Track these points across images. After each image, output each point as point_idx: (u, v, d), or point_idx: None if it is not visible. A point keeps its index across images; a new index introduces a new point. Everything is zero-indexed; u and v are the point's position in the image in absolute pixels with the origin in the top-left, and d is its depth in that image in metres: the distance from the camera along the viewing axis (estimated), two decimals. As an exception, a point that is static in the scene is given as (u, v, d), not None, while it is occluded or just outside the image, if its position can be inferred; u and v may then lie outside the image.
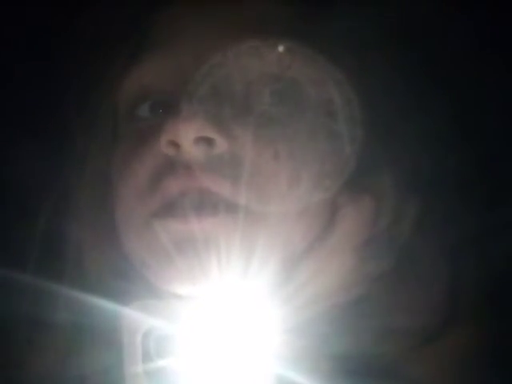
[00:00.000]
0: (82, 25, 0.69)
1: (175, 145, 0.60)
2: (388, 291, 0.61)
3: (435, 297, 0.62)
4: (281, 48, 0.61)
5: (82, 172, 0.67)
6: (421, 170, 0.63)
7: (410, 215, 0.63)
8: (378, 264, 0.61)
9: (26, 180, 0.70)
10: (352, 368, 0.59)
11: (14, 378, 0.67)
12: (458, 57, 0.65)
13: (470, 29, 0.65)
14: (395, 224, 0.62)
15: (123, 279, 0.64)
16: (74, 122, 0.69)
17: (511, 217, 0.63)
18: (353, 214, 0.61)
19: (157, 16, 0.66)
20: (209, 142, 0.60)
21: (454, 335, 0.62)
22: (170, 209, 0.60)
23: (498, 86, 0.65)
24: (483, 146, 0.65)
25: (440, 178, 0.63)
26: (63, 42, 0.71)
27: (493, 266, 0.63)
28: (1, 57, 0.73)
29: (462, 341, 0.63)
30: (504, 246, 0.63)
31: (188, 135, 0.59)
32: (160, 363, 0.57)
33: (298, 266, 0.60)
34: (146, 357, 0.58)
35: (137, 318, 0.58)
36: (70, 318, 0.64)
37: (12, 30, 0.74)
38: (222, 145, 0.60)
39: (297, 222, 0.60)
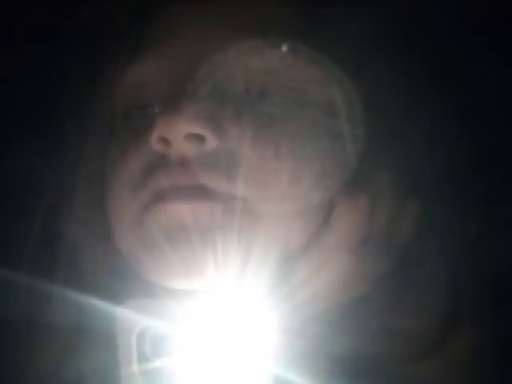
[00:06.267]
0: (80, 24, 0.70)
1: (166, 141, 0.60)
2: (387, 292, 0.61)
3: (435, 298, 0.62)
4: (282, 47, 0.61)
5: (78, 171, 0.67)
6: (420, 170, 0.63)
7: (408, 215, 0.62)
8: (375, 264, 0.61)
9: (22, 179, 0.70)
10: (350, 368, 0.59)
11: (11, 379, 0.67)
12: (458, 57, 0.65)
13: (470, 29, 0.65)
14: (392, 224, 0.62)
15: (119, 278, 0.64)
16: (71, 121, 0.69)
17: (511, 217, 0.63)
18: (348, 213, 0.61)
19: (155, 15, 0.66)
20: (199, 138, 0.60)
21: (454, 337, 0.62)
22: (160, 200, 0.60)
23: (498, 86, 0.65)
24: (483, 146, 0.65)
25: (439, 178, 0.63)
26: (61, 41, 0.71)
27: (493, 266, 0.63)
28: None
29: (462, 342, 0.62)
30: (504, 246, 0.62)
31: (178, 132, 0.59)
32: (156, 363, 0.57)
33: (295, 265, 0.60)
34: (142, 356, 0.57)
35: (132, 318, 0.57)
36: (65, 318, 0.64)
37: (10, 28, 0.74)
38: (212, 141, 0.60)
39: (294, 220, 0.60)
